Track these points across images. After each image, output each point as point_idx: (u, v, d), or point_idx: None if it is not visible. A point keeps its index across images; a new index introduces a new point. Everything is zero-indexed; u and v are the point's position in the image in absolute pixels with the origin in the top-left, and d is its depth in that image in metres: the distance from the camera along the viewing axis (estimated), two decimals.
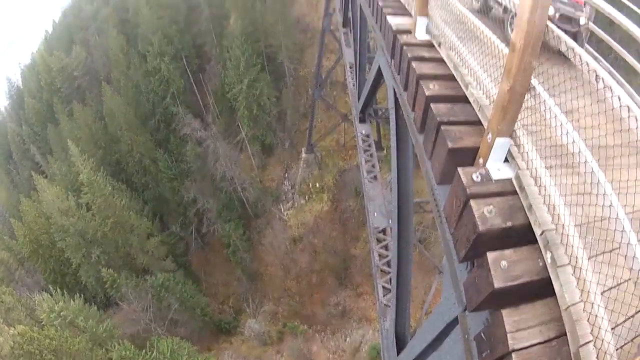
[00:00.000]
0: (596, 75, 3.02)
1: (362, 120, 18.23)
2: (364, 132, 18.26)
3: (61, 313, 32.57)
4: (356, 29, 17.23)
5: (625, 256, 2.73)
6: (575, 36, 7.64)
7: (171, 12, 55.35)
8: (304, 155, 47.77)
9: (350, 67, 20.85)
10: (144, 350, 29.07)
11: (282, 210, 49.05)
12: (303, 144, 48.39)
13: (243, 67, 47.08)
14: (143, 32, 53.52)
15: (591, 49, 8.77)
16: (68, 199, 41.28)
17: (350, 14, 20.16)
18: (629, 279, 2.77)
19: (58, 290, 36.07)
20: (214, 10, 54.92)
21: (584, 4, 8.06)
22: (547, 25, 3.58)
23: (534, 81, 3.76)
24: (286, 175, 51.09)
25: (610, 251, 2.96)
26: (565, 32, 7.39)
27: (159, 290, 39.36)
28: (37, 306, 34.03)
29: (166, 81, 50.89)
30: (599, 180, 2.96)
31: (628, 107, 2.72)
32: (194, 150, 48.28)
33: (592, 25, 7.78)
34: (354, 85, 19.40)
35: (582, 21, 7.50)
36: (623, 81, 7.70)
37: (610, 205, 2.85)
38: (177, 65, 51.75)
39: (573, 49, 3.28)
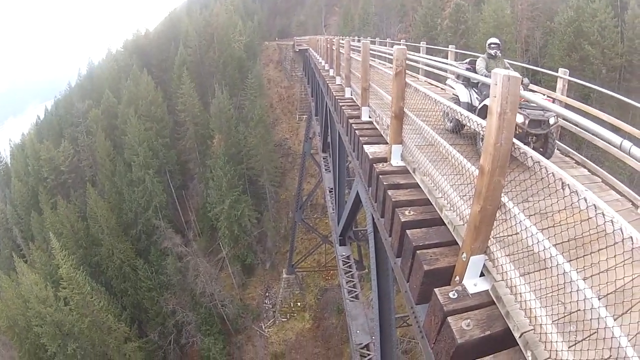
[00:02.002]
0: (562, 183, 3.24)
1: (342, 243, 18.26)
2: (344, 254, 18.30)
3: None
4: (335, 154, 17.71)
5: (604, 338, 2.83)
6: (546, 137, 7.94)
7: (158, 125, 56.72)
8: (284, 275, 47.53)
9: (330, 191, 21.17)
10: None
11: (263, 327, 48.11)
12: (284, 265, 48.31)
13: (225, 187, 47.82)
14: (129, 141, 54.36)
15: (563, 145, 9.15)
16: (46, 288, 40.16)
17: (329, 139, 20.69)
18: (610, 357, 2.85)
19: None
20: (199, 128, 56.45)
21: (553, 101, 8.45)
22: (513, 144, 3.81)
23: (504, 198, 3.95)
24: (267, 294, 50.57)
25: (589, 337, 3.05)
26: (537, 135, 7.75)
27: None
28: None
29: (149, 193, 51.48)
30: (571, 279, 3.10)
31: (595, 205, 2.93)
32: (174, 264, 48.06)
33: (562, 121, 8.12)
34: (333, 210, 19.61)
35: (552, 121, 7.68)
36: (597, 167, 8.14)
37: (584, 299, 2.98)
38: (160, 179, 52.58)
39: (539, 162, 3.50)
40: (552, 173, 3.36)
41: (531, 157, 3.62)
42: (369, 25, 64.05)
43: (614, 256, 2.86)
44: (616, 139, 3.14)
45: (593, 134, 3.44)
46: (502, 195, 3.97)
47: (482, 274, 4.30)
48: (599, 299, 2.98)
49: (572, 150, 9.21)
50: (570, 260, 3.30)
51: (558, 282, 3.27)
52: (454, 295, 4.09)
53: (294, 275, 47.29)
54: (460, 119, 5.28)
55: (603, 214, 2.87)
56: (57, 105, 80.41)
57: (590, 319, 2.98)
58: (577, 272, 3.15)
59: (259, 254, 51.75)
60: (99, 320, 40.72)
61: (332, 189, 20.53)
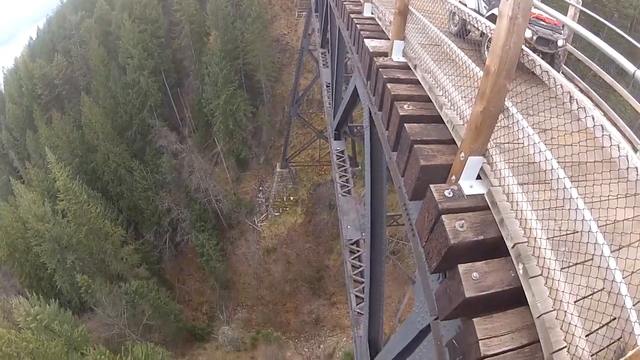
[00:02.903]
0: (570, 97, 3.08)
1: (337, 138, 18.22)
2: (338, 148, 18.26)
3: (37, 317, 32.13)
4: (334, 49, 17.25)
5: (599, 267, 2.78)
6: (552, 58, 7.74)
7: (152, 26, 55.39)
8: (278, 169, 47.77)
9: (327, 86, 20.85)
10: (118, 355, 28.60)
11: (256, 222, 48.98)
12: (278, 159, 48.43)
13: (221, 83, 47.14)
14: (124, 44, 53.28)
15: (568, 70, 8.92)
16: (44, 204, 41.01)
17: (329, 35, 20.13)
18: (603, 289, 2.81)
19: (34, 294, 35.71)
20: (194, 27, 55.02)
21: (562, 26, 8.20)
22: (522, 49, 3.64)
23: (508, 102, 3.81)
24: (260, 188, 51.08)
25: (583, 262, 3.00)
26: (543, 53, 7.55)
27: (132, 297, 38.98)
28: (14, 309, 33.60)
29: (144, 94, 51.01)
30: (571, 196, 3.01)
31: (602, 126, 2.78)
32: (169, 162, 48.29)
33: (569, 47, 7.89)
34: (330, 104, 19.39)
35: (560, 43, 7.56)
36: (600, 99, 7.86)
37: (582, 220, 2.90)
38: (155, 79, 51.87)
39: (548, 72, 3.33)
40: (561, 85, 3.20)
41: (540, 65, 3.47)
42: None
43: (617, 184, 2.73)
44: (630, 66, 2.96)
45: (604, 60, 3.23)
46: (506, 100, 3.82)
47: (479, 177, 4.23)
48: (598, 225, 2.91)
49: (577, 77, 8.95)
50: (574, 182, 3.20)
51: (557, 197, 3.18)
52: (449, 193, 4.02)
53: (287, 170, 47.56)
54: (467, 20, 5.07)
55: (610, 137, 2.74)
56: (50, 22, 79.14)
57: (587, 243, 2.90)
58: (578, 190, 3.05)
59: (253, 148, 51.77)
60: (96, 227, 41.52)
61: (329, 84, 20.23)
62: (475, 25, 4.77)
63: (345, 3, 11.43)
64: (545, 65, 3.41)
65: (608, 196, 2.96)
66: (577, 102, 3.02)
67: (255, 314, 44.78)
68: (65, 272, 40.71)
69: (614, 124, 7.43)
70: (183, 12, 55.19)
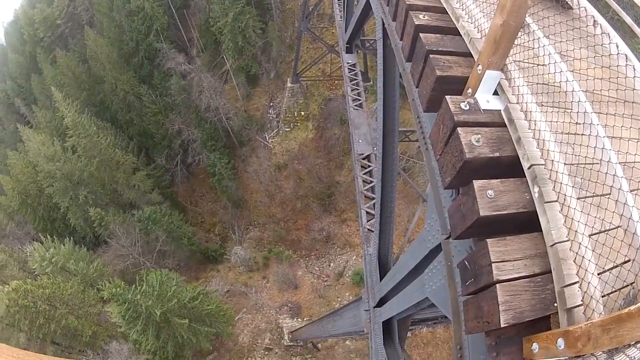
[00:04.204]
0: (594, 21, 2.92)
1: (348, 51, 18.01)
2: (350, 61, 18.07)
3: (52, 259, 33.21)
4: None
5: (616, 202, 2.70)
6: None
7: None
8: (289, 84, 47.24)
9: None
10: (133, 285, 29.33)
11: (267, 138, 48.91)
12: (288, 74, 47.84)
13: (229, 0, 46.02)
14: None
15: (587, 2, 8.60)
16: (54, 144, 41.07)
17: None
18: (619, 226, 2.74)
19: (48, 237, 36.73)
20: None
21: None
22: None
23: (529, 19, 3.65)
24: (271, 104, 50.73)
25: (601, 195, 2.92)
26: None
27: (146, 224, 39.67)
28: (29, 257, 34.64)
29: (150, 19, 49.70)
30: (592, 121, 2.90)
31: (626, 55, 2.64)
32: (178, 84, 47.53)
33: None
34: (341, 18, 19.07)
35: None
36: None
37: (602, 148, 2.79)
38: (161, 3, 50.50)
39: None
40: (585, 8, 3.02)
41: None
42: None
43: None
44: None
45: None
46: (527, 16, 3.67)
47: (496, 93, 4.12)
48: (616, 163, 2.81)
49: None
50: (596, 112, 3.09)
51: (577, 121, 3.06)
52: (465, 106, 3.94)
53: (298, 84, 47.00)
54: None
55: (634, 68, 2.59)
56: None
57: (606, 174, 2.81)
58: (598, 117, 2.93)
59: (263, 64, 50.99)
60: (107, 158, 41.70)
61: None
62: None
63: None
64: None
65: (630, 130, 2.84)
66: (601, 27, 2.86)
67: (267, 232, 45.53)
68: (79, 208, 41.23)
69: None
70: None
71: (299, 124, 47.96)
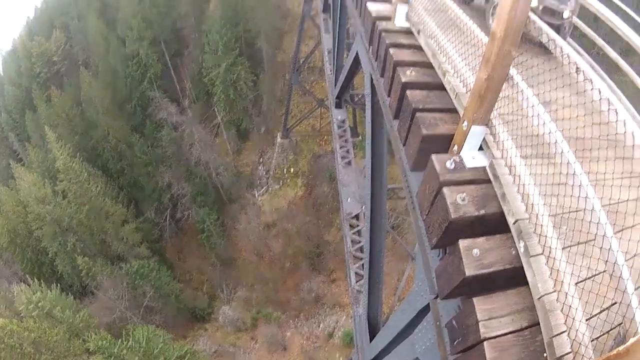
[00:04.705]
0: (577, 68, 3.01)
1: (338, 106, 18.19)
2: (339, 117, 18.24)
3: (39, 304, 32.52)
4: (336, 14, 17.06)
5: (601, 248, 2.74)
6: (557, 29, 7.63)
7: None
8: (279, 140, 47.67)
9: (329, 53, 20.72)
10: (120, 339, 28.90)
11: (256, 195, 49.03)
12: (279, 129, 48.30)
13: (221, 51, 46.94)
14: (123, 16, 52.94)
15: (573, 43, 8.86)
16: (44, 186, 40.93)
17: (330, 0, 19.94)
18: (604, 271, 2.77)
19: (35, 280, 36.00)
20: None
21: None
22: (528, 17, 3.57)
23: (513, 71, 3.75)
24: (261, 160, 51.03)
25: (585, 242, 2.97)
26: (548, 24, 7.47)
27: (133, 278, 39.41)
28: (16, 298, 34.00)
29: (144, 66, 50.72)
30: (575, 172, 2.96)
31: (608, 100, 2.72)
32: (169, 135, 48.01)
33: (575, 19, 7.83)
34: (331, 71, 19.30)
35: (566, 14, 7.54)
36: (604, 75, 7.83)
37: (586, 197, 2.85)
38: (155, 50, 51.45)
39: (554, 41, 3.26)
40: (567, 55, 3.12)
41: (547, 33, 3.38)
42: None
43: (622, 162, 2.66)
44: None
45: (610, 36, 3.14)
46: (511, 67, 3.76)
47: (481, 148, 4.18)
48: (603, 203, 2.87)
49: (582, 52, 8.89)
50: (578, 158, 3.16)
51: (560, 172, 3.12)
52: (451, 164, 3.99)
53: (288, 140, 47.46)
54: None
55: (616, 112, 2.67)
56: (47, 0, 78.08)
57: (590, 222, 2.86)
58: (582, 164, 3.00)
59: (254, 117, 51.66)
60: (97, 206, 41.66)
61: (330, 50, 20.10)
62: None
63: None
64: (552, 34, 3.33)
65: (612, 175, 2.91)
66: (583, 74, 2.95)
67: (256, 293, 45.06)
68: (67, 255, 40.90)
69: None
70: None
71: (288, 180, 48.17)
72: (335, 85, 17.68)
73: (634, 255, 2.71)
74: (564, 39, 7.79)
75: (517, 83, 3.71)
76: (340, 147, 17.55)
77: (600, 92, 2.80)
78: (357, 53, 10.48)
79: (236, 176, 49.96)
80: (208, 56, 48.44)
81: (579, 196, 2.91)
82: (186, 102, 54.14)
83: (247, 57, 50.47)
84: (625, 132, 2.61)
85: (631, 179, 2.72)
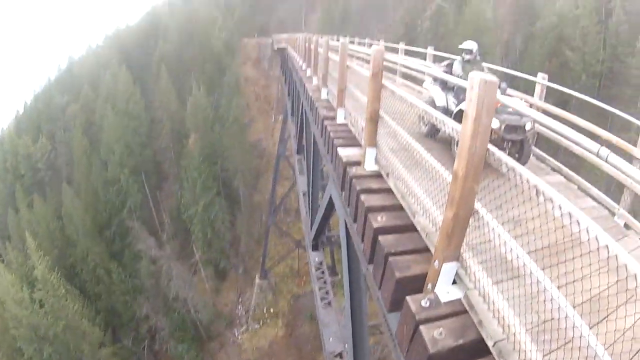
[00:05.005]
0: (537, 190, 3.24)
1: (315, 248, 18.15)
2: (317, 259, 18.22)
3: None
4: (309, 156, 17.57)
5: (579, 347, 2.83)
6: (522, 143, 8.05)
7: (135, 122, 56.49)
8: (257, 280, 47.37)
9: (304, 195, 21.02)
10: None
11: (236, 334, 47.80)
12: (257, 270, 48.11)
13: (199, 189, 47.72)
14: (106, 138, 54.09)
15: (539, 151, 9.28)
16: (22, 290, 39.54)
17: (304, 141, 20.48)
18: None
19: None
20: (175, 125, 56.29)
21: (530, 106, 8.52)
22: (488, 150, 3.81)
23: (478, 204, 3.94)
24: (240, 300, 50.30)
25: (564, 345, 3.05)
26: (512, 141, 7.82)
27: None
28: None
29: (124, 193, 51.11)
30: (545, 287, 3.10)
31: (569, 213, 2.93)
32: (147, 268, 47.48)
33: (538, 127, 8.21)
34: (306, 214, 19.45)
35: (528, 127, 7.83)
36: (572, 174, 8.36)
37: (559, 307, 2.98)
38: (136, 179, 51.95)
39: (514, 169, 3.50)
40: (527, 179, 3.36)
41: (506, 163, 3.62)
42: (349, 24, 64.31)
43: (589, 264, 2.86)
44: (593, 146, 3.15)
45: (570, 141, 3.44)
46: (476, 201, 3.96)
47: (455, 282, 4.30)
48: (574, 308, 3.00)
49: (548, 157, 9.34)
50: (544, 268, 3.30)
51: (531, 291, 3.27)
52: (426, 303, 4.07)
53: (267, 281, 47.17)
54: (435, 123, 5.28)
55: (578, 222, 2.87)
56: (37, 99, 79.39)
57: (565, 328, 2.98)
58: (551, 281, 3.15)
59: (232, 258, 51.54)
60: (74, 324, 40.22)
61: (305, 192, 20.40)
62: (442, 127, 4.99)
63: (319, 109, 11.75)
64: (511, 163, 3.57)
65: (582, 276, 3.08)
66: (543, 195, 3.17)
67: None
68: None
69: (589, 195, 7.97)
70: (164, 111, 56.77)
71: (268, 320, 47.31)
72: (311, 228, 17.79)
73: (613, 343, 2.82)
74: (529, 149, 8.22)
75: (482, 216, 3.90)
76: (320, 289, 17.49)
77: (561, 208, 3.01)
78: (330, 196, 10.68)
79: (215, 314, 48.81)
80: (186, 193, 49.06)
81: (551, 308, 3.03)
82: (164, 237, 53.97)
83: (225, 197, 51.24)
84: (589, 238, 2.79)
85: (599, 276, 2.87)
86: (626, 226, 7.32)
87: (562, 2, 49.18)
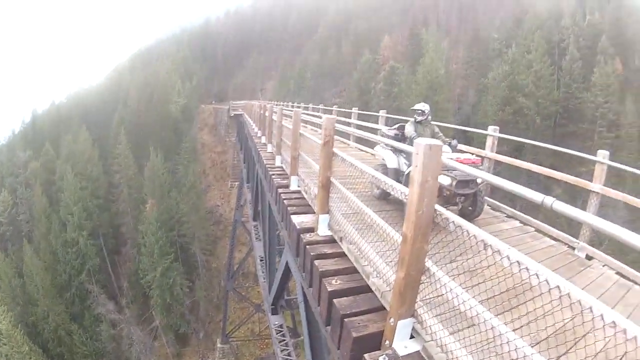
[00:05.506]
0: (484, 244, 3.37)
1: (274, 312, 17.96)
2: (277, 322, 18.03)
3: None
4: (265, 222, 17.53)
5: None
6: (475, 195, 8.29)
7: (93, 185, 55.95)
8: (219, 345, 46.23)
9: (261, 260, 20.94)
10: None
11: None
12: (218, 334, 47.11)
13: (157, 254, 46.99)
14: (65, 199, 52.98)
15: (492, 200, 9.68)
16: None
17: (260, 208, 20.41)
18: None
19: None
20: (132, 191, 55.80)
21: (482, 161, 8.78)
22: (435, 210, 3.97)
23: (429, 262, 4.07)
24: None
25: None
26: (465, 195, 8.04)
27: None
28: None
29: (83, 256, 49.95)
30: (500, 332, 3.19)
31: (518, 261, 3.07)
32: (108, 331, 46.23)
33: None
34: (264, 279, 19.33)
35: (480, 180, 7.97)
36: (528, 217, 8.78)
37: (516, 349, 3.07)
38: (94, 242, 50.95)
39: (461, 227, 3.63)
40: (474, 235, 3.50)
41: (453, 222, 3.76)
42: (305, 90, 65.35)
43: (549, 302, 2.97)
44: (538, 197, 3.29)
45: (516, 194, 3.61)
46: (427, 259, 4.06)
47: (412, 336, 4.36)
48: (538, 344, 3.11)
49: (502, 205, 9.63)
50: (505, 312, 3.43)
51: (487, 337, 3.37)
52: (384, 359, 4.13)
53: (228, 345, 46.14)
54: (384, 188, 5.43)
55: (527, 269, 3.01)
56: (0, 152, 78.36)
57: None
58: (506, 325, 3.26)
59: (192, 323, 50.45)
60: None
61: (262, 257, 20.32)
62: (391, 192, 5.14)
63: (273, 176, 11.82)
64: (458, 221, 3.70)
65: (543, 314, 3.22)
66: (491, 248, 3.31)
67: None
68: None
69: (547, 234, 8.33)
70: (122, 175, 56.29)
71: None
72: (269, 292, 17.63)
73: None
74: (482, 200, 8.48)
75: (434, 273, 4.00)
76: (282, 351, 17.33)
77: (509, 258, 3.15)
78: (287, 262, 10.67)
79: None
80: (144, 258, 48.22)
81: (509, 350, 3.13)
82: (124, 301, 52.69)
83: (183, 262, 50.55)
84: (539, 282, 2.92)
85: (554, 315, 2.98)
86: (589, 257, 7.65)
87: (514, 49, 50.84)
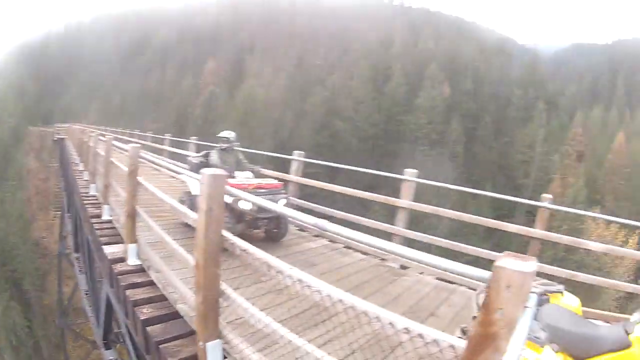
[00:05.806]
0: (268, 266, 3.50)
1: (107, 347, 17.39)
2: (111, 358, 17.40)
3: None
4: (85, 254, 16.72)
5: None
6: (279, 217, 8.52)
7: None
8: None
9: (86, 294, 20.00)
10: None
11: None
12: None
13: None
14: None
15: (299, 221, 9.94)
16: None
17: (79, 239, 19.53)
18: None
19: None
20: None
21: (283, 185, 9.09)
22: (223, 237, 4.06)
23: (224, 285, 4.14)
24: None
25: None
26: (268, 218, 8.29)
27: None
28: None
29: None
30: (298, 346, 3.34)
31: (300, 279, 3.21)
32: None
33: (293, 200, 8.76)
34: (92, 313, 18.48)
35: (282, 202, 8.28)
36: (339, 233, 8.83)
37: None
38: None
39: (246, 251, 3.74)
40: (258, 258, 3.62)
41: (239, 247, 3.87)
42: (126, 114, 63.57)
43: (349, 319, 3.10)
44: (312, 220, 3.47)
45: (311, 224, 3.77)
46: (222, 283, 4.15)
47: (225, 357, 4.38)
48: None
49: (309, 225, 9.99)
50: (309, 328, 3.57)
51: (289, 350, 3.50)
52: None
53: None
54: (185, 220, 5.50)
55: (309, 286, 3.15)
56: None
57: None
58: (315, 339, 3.42)
59: None
60: None
61: (87, 291, 19.45)
62: (186, 220, 5.21)
63: (87, 205, 11.46)
64: (243, 246, 3.82)
65: (351, 329, 3.45)
66: (274, 269, 3.45)
67: None
68: None
69: (357, 249, 9.02)
70: None
71: None
72: (98, 326, 17.02)
73: None
74: (286, 222, 8.83)
75: (229, 295, 4.09)
76: None
77: (292, 277, 3.29)
78: (107, 294, 10.43)
79: None
80: None
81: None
82: None
83: (19, 301, 47.06)
84: (332, 300, 3.06)
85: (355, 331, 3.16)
86: (404, 267, 8.16)
87: (335, 76, 52.50)
